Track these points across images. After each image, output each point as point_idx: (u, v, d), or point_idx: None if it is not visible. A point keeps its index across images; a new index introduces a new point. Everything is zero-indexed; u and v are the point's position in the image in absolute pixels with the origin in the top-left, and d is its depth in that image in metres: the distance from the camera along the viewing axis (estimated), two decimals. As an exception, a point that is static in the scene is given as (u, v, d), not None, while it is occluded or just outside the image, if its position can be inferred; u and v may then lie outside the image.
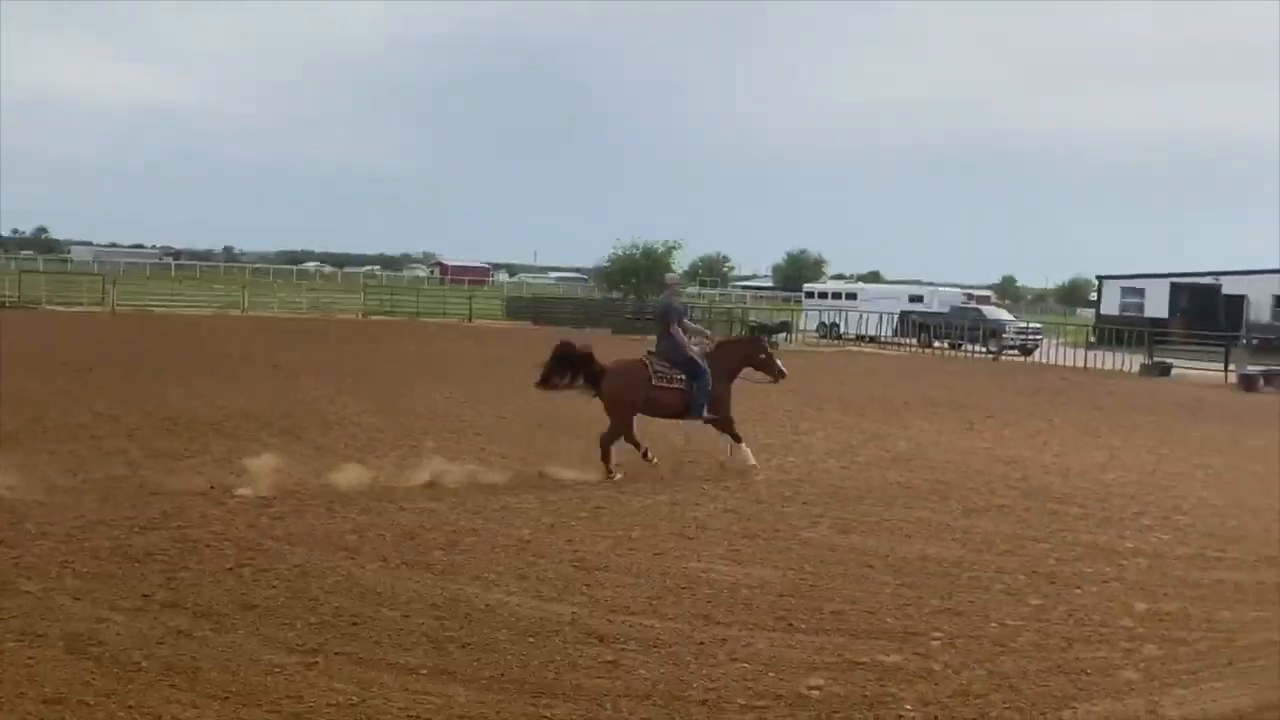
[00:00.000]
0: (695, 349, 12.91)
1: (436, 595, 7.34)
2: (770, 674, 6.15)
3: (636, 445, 12.40)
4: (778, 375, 13.39)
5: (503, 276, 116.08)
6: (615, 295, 60.36)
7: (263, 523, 9.14)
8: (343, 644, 6.35)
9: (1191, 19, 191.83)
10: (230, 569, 7.78)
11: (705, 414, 12.67)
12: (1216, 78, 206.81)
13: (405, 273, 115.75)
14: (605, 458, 12.04)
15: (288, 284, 74.80)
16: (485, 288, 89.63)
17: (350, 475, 10.95)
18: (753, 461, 12.64)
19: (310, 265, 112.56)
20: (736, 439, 12.77)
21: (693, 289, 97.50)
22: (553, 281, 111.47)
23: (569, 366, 12.46)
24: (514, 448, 13.34)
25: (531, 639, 6.57)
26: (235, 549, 8.29)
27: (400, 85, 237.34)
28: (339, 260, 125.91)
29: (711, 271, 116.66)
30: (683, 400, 12.58)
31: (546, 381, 12.51)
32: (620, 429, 12.29)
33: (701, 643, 6.61)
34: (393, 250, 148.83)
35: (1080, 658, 6.67)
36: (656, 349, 12.85)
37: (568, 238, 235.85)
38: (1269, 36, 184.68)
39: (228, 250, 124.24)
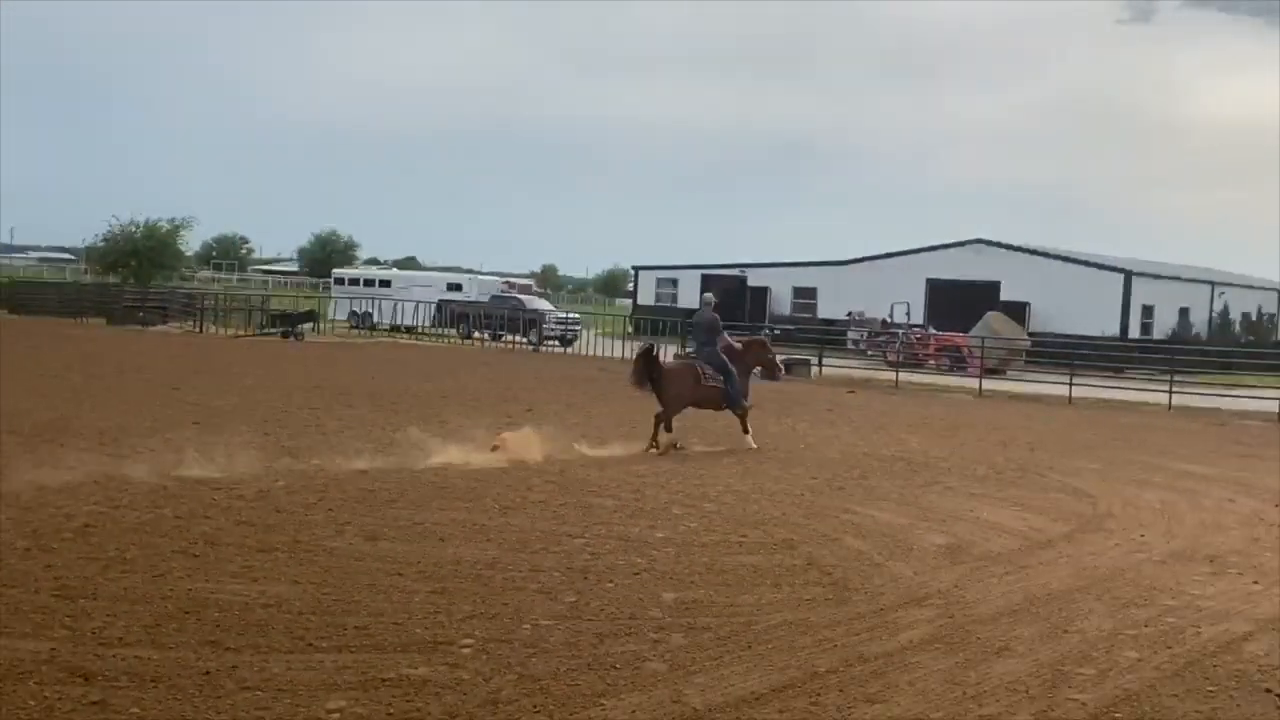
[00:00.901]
0: (725, 354, 16.81)
1: None
2: (286, 699, 5.98)
3: (661, 431, 15.96)
4: (776, 371, 18.14)
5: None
6: (112, 280, 56.55)
7: None
8: None
9: (731, 17, 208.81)
10: None
11: (739, 405, 16.65)
12: (750, 75, 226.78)
13: None
14: (656, 434, 15.97)
15: None
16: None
17: None
18: (753, 445, 16.48)
19: None
20: (728, 422, 16.73)
21: (206, 273, 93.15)
22: (34, 263, 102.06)
23: (650, 364, 16.32)
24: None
25: (-3, 685, 5.96)
26: None
27: None
28: None
29: (228, 254, 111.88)
30: (719, 395, 16.54)
31: (640, 380, 16.27)
32: (670, 415, 16.15)
33: (207, 672, 6.30)
34: None
35: (611, 652, 7.06)
36: (698, 354, 16.92)
37: (52, 213, 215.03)
38: (801, 35, 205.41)
39: None
